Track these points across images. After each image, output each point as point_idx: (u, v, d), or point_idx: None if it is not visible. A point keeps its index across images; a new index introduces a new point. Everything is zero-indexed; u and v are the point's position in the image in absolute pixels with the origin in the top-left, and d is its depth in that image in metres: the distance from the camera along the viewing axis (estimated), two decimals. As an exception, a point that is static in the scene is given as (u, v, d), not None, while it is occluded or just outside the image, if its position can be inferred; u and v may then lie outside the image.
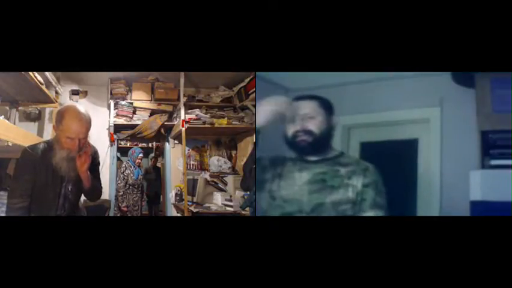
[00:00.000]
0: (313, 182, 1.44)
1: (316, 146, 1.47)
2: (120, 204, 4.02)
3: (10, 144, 2.20)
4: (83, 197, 1.83)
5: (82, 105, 1.70)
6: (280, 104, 1.47)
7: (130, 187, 4.19)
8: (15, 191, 1.62)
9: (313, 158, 1.49)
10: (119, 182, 4.06)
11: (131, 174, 4.22)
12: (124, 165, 4.25)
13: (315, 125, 1.47)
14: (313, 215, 1.41)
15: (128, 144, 5.56)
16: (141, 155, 4.37)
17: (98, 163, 1.87)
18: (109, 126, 3.82)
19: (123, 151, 5.52)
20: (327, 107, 1.52)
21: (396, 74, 2.36)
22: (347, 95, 2.60)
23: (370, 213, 1.38)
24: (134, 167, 4.25)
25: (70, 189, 1.68)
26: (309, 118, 1.47)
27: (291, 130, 1.49)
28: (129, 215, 4.03)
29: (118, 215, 3.93)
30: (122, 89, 3.87)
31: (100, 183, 1.93)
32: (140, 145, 5.67)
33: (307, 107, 1.49)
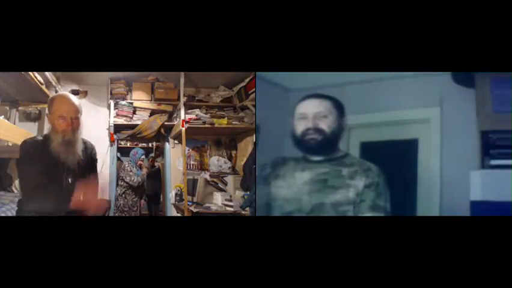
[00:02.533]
0: (315, 182, 1.43)
1: (324, 145, 1.46)
2: (124, 202, 3.98)
3: (10, 144, 2.21)
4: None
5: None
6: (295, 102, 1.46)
7: (130, 187, 4.16)
8: (25, 184, 1.65)
9: (318, 158, 1.49)
10: (120, 181, 4.01)
11: (133, 175, 4.18)
12: (126, 165, 4.22)
13: (326, 125, 1.46)
14: (312, 215, 1.41)
15: (128, 144, 5.55)
16: (143, 156, 4.35)
17: (96, 160, 1.88)
18: (109, 126, 3.82)
19: (123, 151, 5.51)
20: (339, 107, 1.52)
21: (396, 74, 2.36)
22: (347, 95, 2.59)
23: (368, 215, 1.37)
24: (136, 168, 4.21)
25: (70, 181, 1.68)
26: (322, 117, 1.46)
27: (301, 128, 1.48)
28: (126, 215, 4.01)
29: (117, 214, 3.92)
30: (122, 89, 3.86)
31: (97, 182, 1.92)
32: (140, 145, 5.65)
33: (321, 106, 1.48)
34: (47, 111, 1.69)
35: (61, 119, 1.63)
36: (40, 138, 1.69)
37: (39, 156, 1.62)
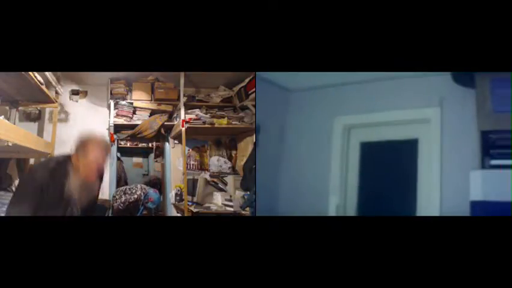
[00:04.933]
0: None
1: None
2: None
3: (10, 144, 2.20)
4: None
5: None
6: None
7: (125, 209, 4.01)
8: (16, 201, 1.58)
9: None
10: (121, 205, 3.80)
11: (135, 208, 3.90)
12: (136, 195, 3.87)
13: None
14: None
15: (128, 144, 5.54)
16: (154, 206, 3.97)
17: (102, 175, 1.83)
18: (109, 126, 3.82)
19: (123, 151, 5.51)
20: None
21: (396, 74, 2.36)
22: (347, 95, 2.60)
23: None
24: (141, 206, 3.93)
25: (74, 210, 1.63)
26: None
27: None
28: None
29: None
30: (122, 89, 3.86)
31: (98, 195, 1.89)
32: (140, 145, 5.65)
33: None
34: (73, 149, 1.58)
35: (87, 167, 1.55)
36: (55, 166, 1.57)
37: (50, 187, 1.53)
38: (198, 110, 3.78)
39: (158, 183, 4.96)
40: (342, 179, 2.63)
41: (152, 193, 3.94)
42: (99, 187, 1.66)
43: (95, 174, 1.57)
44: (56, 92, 3.52)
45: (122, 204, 3.80)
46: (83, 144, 1.58)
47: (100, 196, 2.21)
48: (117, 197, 3.85)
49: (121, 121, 3.81)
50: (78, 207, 1.63)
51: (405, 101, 2.44)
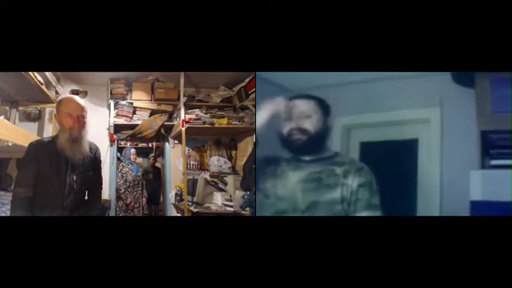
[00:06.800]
0: (309, 181, 1.44)
1: (311, 145, 1.48)
2: (125, 202, 4.06)
3: (10, 144, 2.20)
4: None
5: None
6: (278, 104, 1.48)
7: (130, 184, 4.21)
8: (18, 181, 1.73)
9: (308, 158, 1.50)
10: (118, 180, 4.11)
11: (130, 172, 4.27)
12: (121, 165, 4.34)
13: (311, 124, 1.47)
14: (307, 213, 1.41)
15: (128, 144, 5.56)
16: (133, 150, 4.57)
17: (100, 161, 1.93)
18: (109, 126, 3.82)
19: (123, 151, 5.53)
20: (324, 106, 1.53)
21: (396, 74, 2.36)
22: (347, 95, 2.60)
23: (364, 213, 1.38)
24: (131, 164, 4.31)
25: (74, 178, 1.73)
26: (305, 117, 1.48)
27: (286, 128, 1.49)
28: (131, 214, 4.05)
29: (121, 214, 3.94)
30: (122, 89, 3.86)
31: (101, 182, 1.95)
32: (140, 145, 5.67)
33: (304, 106, 1.50)
34: (55, 112, 1.79)
35: (68, 117, 1.71)
36: (47, 139, 1.80)
37: (45, 156, 1.69)
38: (198, 110, 3.78)
39: (158, 173, 5.07)
40: (342, 179, 2.63)
41: (124, 150, 4.60)
42: (85, 139, 1.78)
43: (75, 125, 1.72)
44: (56, 92, 3.52)
45: (123, 179, 4.21)
46: (59, 102, 1.78)
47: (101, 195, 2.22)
48: (119, 190, 4.07)
49: (121, 121, 3.82)
50: (75, 172, 1.74)
51: (405, 101, 2.44)
